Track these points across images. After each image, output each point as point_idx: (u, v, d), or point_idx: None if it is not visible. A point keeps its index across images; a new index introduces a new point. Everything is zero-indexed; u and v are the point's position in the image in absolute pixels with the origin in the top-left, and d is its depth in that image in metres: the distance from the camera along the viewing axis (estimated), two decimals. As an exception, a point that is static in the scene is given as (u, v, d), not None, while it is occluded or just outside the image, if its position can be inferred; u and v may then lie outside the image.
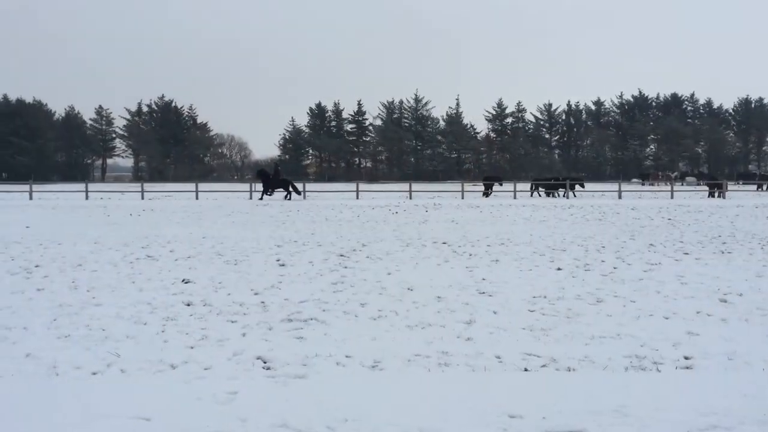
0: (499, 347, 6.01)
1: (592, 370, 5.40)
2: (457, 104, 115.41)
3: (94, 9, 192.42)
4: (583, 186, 43.81)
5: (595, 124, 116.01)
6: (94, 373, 5.27)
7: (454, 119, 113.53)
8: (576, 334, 6.50)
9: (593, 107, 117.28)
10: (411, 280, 9.59)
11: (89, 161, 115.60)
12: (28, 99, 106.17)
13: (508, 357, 5.70)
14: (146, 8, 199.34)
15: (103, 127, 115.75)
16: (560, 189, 42.26)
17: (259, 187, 37.97)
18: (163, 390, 4.78)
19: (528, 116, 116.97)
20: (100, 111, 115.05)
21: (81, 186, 44.92)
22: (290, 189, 36.95)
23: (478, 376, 5.22)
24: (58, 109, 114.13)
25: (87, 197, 38.54)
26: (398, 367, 5.44)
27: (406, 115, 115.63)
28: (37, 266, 10.91)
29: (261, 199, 36.17)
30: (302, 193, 38.11)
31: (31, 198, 37.37)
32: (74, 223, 19.79)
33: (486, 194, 41.79)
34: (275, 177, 37.63)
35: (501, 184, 43.25)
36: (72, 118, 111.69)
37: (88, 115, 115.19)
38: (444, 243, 14.31)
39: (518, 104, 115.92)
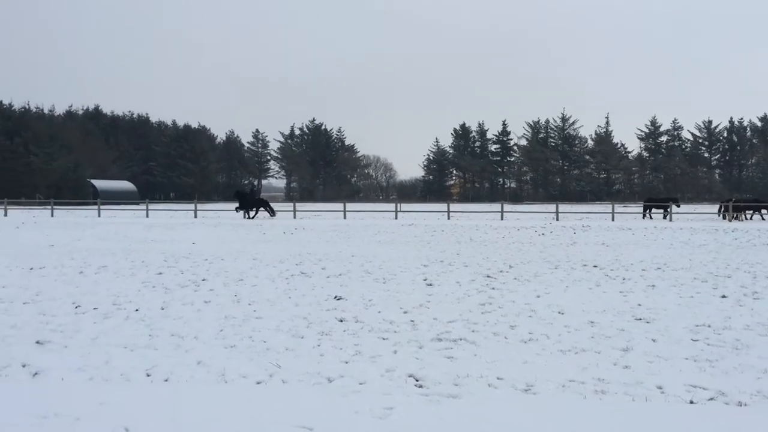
0: (660, 377, 5.72)
1: (766, 406, 5.01)
2: (607, 122, 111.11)
3: (252, 42, 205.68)
4: None
5: (761, 142, 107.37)
6: (259, 383, 5.59)
7: (604, 138, 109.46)
8: (746, 366, 6.04)
9: (759, 123, 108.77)
10: (561, 303, 9.36)
11: (246, 182, 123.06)
12: (194, 124, 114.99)
13: (671, 388, 5.41)
14: (295, 39, 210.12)
15: (259, 149, 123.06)
16: (749, 211, 38.37)
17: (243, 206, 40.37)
18: (322, 402, 4.99)
19: (685, 134, 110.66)
20: (256, 134, 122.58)
21: (239, 205, 47.67)
22: (266, 208, 39.62)
23: (639, 406, 4.99)
24: (220, 134, 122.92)
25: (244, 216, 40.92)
26: (552, 391, 5.33)
27: (552, 135, 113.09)
28: (203, 280, 11.74)
29: (249, 217, 38.94)
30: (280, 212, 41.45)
31: (195, 216, 40.28)
32: (234, 240, 21.09)
33: (646, 216, 39.59)
34: (251, 197, 40.40)
35: (678, 206, 39.52)
36: (232, 141, 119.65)
37: (246, 138, 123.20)
38: (595, 266, 13.83)
39: (674, 122, 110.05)
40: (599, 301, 9.52)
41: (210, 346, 6.88)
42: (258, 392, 5.31)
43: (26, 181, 76.39)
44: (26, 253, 16.56)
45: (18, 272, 12.70)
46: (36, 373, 5.83)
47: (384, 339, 7.20)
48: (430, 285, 11.19)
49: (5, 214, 40.98)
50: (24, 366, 6.04)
